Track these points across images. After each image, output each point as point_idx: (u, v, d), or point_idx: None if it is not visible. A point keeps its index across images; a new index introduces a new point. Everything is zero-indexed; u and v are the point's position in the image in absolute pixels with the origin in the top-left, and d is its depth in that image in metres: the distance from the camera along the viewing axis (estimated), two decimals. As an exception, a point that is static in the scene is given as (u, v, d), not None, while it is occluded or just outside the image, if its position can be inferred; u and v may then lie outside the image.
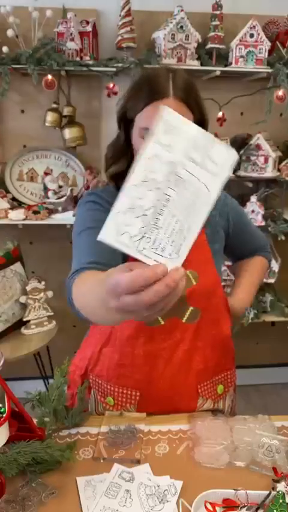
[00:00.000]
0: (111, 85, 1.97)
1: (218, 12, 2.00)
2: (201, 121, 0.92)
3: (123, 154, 0.98)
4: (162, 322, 1.00)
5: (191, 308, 1.01)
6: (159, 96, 0.87)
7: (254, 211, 2.21)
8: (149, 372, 1.04)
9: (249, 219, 1.26)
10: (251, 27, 1.98)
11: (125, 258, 0.85)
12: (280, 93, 2.05)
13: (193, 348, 1.04)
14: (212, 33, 2.00)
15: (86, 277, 0.84)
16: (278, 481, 0.85)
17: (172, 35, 1.95)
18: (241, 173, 2.25)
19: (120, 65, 1.96)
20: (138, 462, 0.92)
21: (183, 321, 1.02)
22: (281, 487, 0.83)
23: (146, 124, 0.89)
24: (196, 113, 0.91)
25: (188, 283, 1.00)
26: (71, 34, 1.94)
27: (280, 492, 0.79)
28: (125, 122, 0.95)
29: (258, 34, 1.99)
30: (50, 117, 2.03)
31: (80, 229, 0.97)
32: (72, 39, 1.94)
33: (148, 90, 0.89)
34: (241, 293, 1.16)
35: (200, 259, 1.01)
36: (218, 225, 1.09)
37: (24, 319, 1.93)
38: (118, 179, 1.00)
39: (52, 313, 1.99)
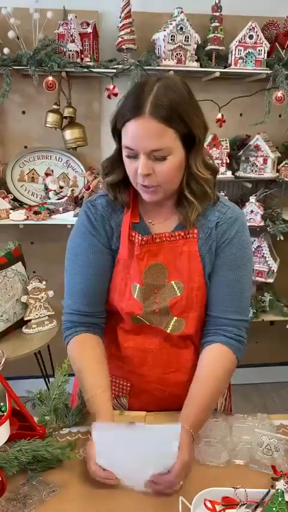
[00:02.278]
0: (111, 86, 1.98)
1: (217, 13, 2.00)
2: (189, 135, 0.90)
3: (118, 165, 0.96)
4: (147, 323, 1.01)
5: (174, 318, 1.00)
6: (134, 115, 0.85)
7: (253, 211, 2.22)
8: (139, 365, 1.05)
9: (244, 281, 1.01)
10: (250, 29, 1.99)
11: (106, 301, 1.04)
12: (279, 94, 2.06)
13: (182, 346, 1.05)
14: (211, 35, 2.01)
15: (81, 346, 1.02)
16: (277, 479, 0.86)
17: (172, 36, 1.96)
18: (240, 174, 2.26)
19: (120, 66, 1.97)
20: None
21: (168, 331, 1.01)
22: (280, 485, 0.84)
23: (125, 142, 0.89)
24: (180, 128, 0.88)
25: (172, 293, 0.99)
26: (72, 35, 1.94)
27: (279, 490, 0.80)
28: (117, 132, 0.93)
29: (258, 35, 2.00)
30: (51, 118, 2.04)
31: (76, 255, 1.02)
32: (72, 41, 1.95)
33: (130, 103, 0.87)
34: (191, 421, 0.92)
35: (188, 270, 0.99)
36: (212, 239, 1.00)
37: (25, 319, 1.94)
38: (114, 188, 0.99)
39: (53, 313, 2.00)
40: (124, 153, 0.91)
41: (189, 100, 0.91)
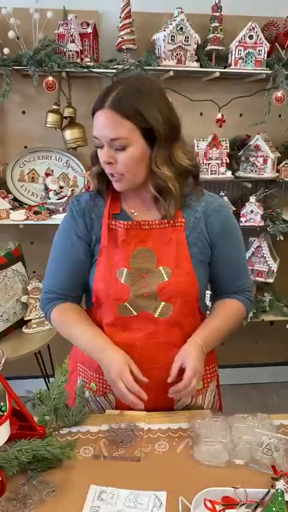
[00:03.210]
0: (111, 86, 1.98)
1: (217, 13, 2.01)
2: (149, 130, 0.96)
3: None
4: (135, 313, 1.04)
5: (162, 303, 1.04)
6: (97, 107, 0.97)
7: (253, 211, 2.22)
8: None
9: (243, 255, 1.15)
10: (250, 29, 1.99)
11: (86, 289, 1.11)
12: (279, 94, 2.06)
13: (167, 343, 1.05)
14: (211, 35, 2.01)
15: (65, 313, 1.10)
16: (277, 479, 0.85)
17: (172, 36, 1.96)
18: (240, 174, 2.26)
19: (120, 66, 1.97)
20: (138, 460, 0.93)
21: (155, 315, 1.04)
22: (280, 485, 0.84)
23: (94, 132, 0.99)
24: (138, 122, 0.95)
25: (160, 278, 1.03)
26: (72, 36, 1.95)
27: (279, 490, 0.80)
28: None
29: (258, 35, 2.00)
30: (51, 118, 2.04)
31: (55, 244, 1.12)
32: (72, 41, 1.95)
33: (98, 98, 0.98)
34: (202, 334, 1.06)
35: (176, 256, 1.04)
36: (199, 230, 1.06)
37: (25, 319, 1.94)
38: (99, 179, 1.07)
39: (52, 313, 2.00)
40: (94, 143, 1.01)
41: (155, 98, 0.98)
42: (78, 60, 1.97)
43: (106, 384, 1.09)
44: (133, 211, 1.08)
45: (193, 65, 2.03)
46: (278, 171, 2.25)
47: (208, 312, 1.18)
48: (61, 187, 2.18)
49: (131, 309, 1.04)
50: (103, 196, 1.09)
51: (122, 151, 0.97)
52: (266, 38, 2.02)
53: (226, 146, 2.17)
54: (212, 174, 2.17)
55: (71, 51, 1.96)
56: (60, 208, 2.13)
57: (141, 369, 1.02)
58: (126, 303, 1.03)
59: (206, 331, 1.07)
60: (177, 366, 1.00)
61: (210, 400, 1.19)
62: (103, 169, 1.03)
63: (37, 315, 1.96)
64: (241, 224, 2.26)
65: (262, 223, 2.23)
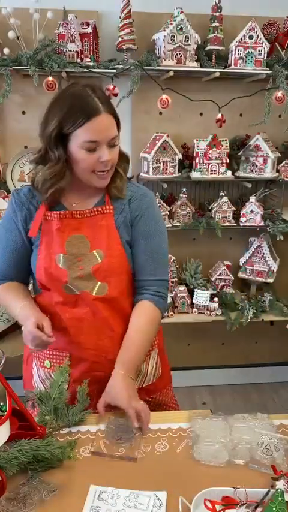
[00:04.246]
0: (111, 86, 1.98)
1: (217, 13, 2.00)
2: (117, 123, 1.10)
3: (64, 172, 1.09)
4: (78, 292, 1.13)
5: (98, 283, 1.14)
6: (94, 113, 1.03)
7: (253, 211, 2.22)
8: (76, 334, 1.16)
9: (160, 246, 1.20)
10: (250, 29, 1.99)
11: (30, 274, 1.22)
12: (279, 94, 2.06)
13: (109, 316, 1.16)
14: (211, 35, 2.01)
15: (5, 288, 1.19)
16: (277, 479, 0.86)
17: (172, 36, 1.96)
18: (240, 174, 2.26)
19: (120, 66, 1.97)
20: (134, 461, 0.93)
21: (93, 294, 1.14)
22: (280, 485, 0.84)
23: (90, 138, 1.04)
24: (116, 119, 1.09)
25: (94, 261, 1.13)
26: (72, 36, 1.94)
27: (279, 490, 0.80)
28: (61, 139, 1.06)
29: (258, 35, 2.00)
30: (51, 118, 2.04)
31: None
32: (72, 41, 1.95)
33: (82, 109, 1.03)
34: (121, 362, 1.12)
35: (107, 240, 1.14)
36: (125, 214, 1.17)
37: (25, 319, 1.94)
38: (58, 195, 1.13)
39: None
40: (84, 148, 1.05)
41: None
42: (78, 60, 1.97)
43: (58, 358, 1.19)
44: (74, 203, 1.16)
45: (193, 65, 2.03)
46: (278, 171, 2.25)
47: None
48: (61, 187, 2.17)
49: (73, 288, 1.13)
50: (46, 198, 1.14)
51: (114, 148, 1.09)
52: (266, 38, 2.02)
53: (226, 146, 2.17)
54: (212, 174, 2.17)
55: (71, 51, 1.96)
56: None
57: (91, 339, 1.15)
58: (68, 284, 1.13)
59: (126, 357, 1.12)
60: (103, 403, 1.07)
61: (153, 367, 1.28)
62: (64, 183, 1.10)
63: (37, 315, 1.96)
64: (241, 224, 2.26)
65: (262, 223, 2.23)
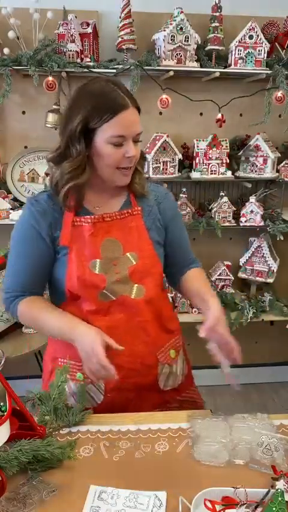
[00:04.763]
0: (111, 86, 1.98)
1: (217, 13, 2.01)
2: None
3: (84, 167, 1.06)
4: (114, 298, 1.10)
5: (135, 285, 1.13)
6: (122, 108, 1.02)
7: (253, 211, 2.22)
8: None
9: (187, 235, 1.29)
10: (250, 29, 1.99)
11: (47, 283, 1.18)
12: (279, 94, 2.06)
13: (146, 320, 1.14)
14: (211, 35, 2.01)
15: (30, 303, 1.13)
16: (277, 479, 0.85)
17: (172, 36, 1.96)
18: (240, 174, 2.26)
19: (120, 66, 1.97)
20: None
21: (132, 297, 1.12)
22: (280, 485, 0.84)
23: (117, 132, 1.02)
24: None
25: (128, 263, 1.12)
26: (72, 36, 1.94)
27: (279, 490, 0.79)
28: (85, 134, 1.03)
29: (258, 35, 2.00)
30: (51, 118, 2.04)
31: (15, 245, 1.13)
32: (72, 41, 1.95)
33: (109, 104, 1.01)
34: (212, 294, 1.19)
35: (139, 241, 1.13)
36: (155, 215, 1.17)
37: (25, 319, 1.94)
38: (78, 190, 1.08)
39: (52, 313, 2.00)
40: (110, 143, 1.03)
41: None
42: (78, 60, 1.97)
43: None
44: (96, 206, 1.13)
45: (193, 65, 2.03)
46: (278, 171, 2.25)
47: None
48: (61, 187, 2.17)
49: (110, 294, 1.10)
50: (65, 199, 1.10)
51: (138, 143, 1.08)
52: (266, 38, 2.02)
53: (226, 146, 2.17)
54: (212, 174, 2.17)
55: (71, 51, 1.96)
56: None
57: (127, 347, 1.08)
58: (104, 290, 1.09)
59: (208, 290, 1.19)
60: (208, 327, 1.07)
61: (181, 366, 1.27)
62: (83, 178, 1.06)
63: (37, 315, 1.96)
64: (241, 224, 2.26)
65: (262, 223, 2.23)
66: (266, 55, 2.03)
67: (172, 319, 1.27)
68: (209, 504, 0.80)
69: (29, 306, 1.13)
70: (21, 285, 1.14)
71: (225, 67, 2.09)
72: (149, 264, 1.14)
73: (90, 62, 1.98)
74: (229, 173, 2.19)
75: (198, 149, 2.14)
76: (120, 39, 1.98)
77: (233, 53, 2.03)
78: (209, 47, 2.04)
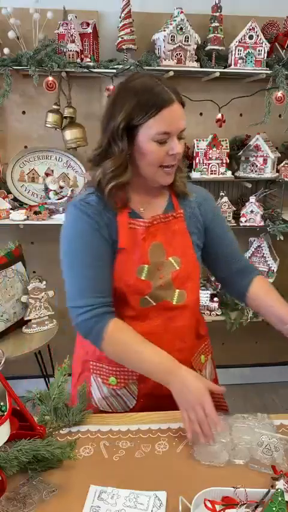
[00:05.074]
0: (111, 86, 1.98)
1: (217, 13, 2.00)
2: None
3: (126, 166, 1.02)
4: (154, 304, 1.08)
5: (177, 291, 1.10)
6: (167, 103, 0.98)
7: (253, 211, 2.22)
8: None
9: (234, 236, 1.24)
10: (250, 29, 1.99)
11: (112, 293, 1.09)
12: (279, 94, 2.06)
13: (184, 325, 1.13)
14: (211, 35, 2.01)
15: (122, 327, 1.04)
16: (277, 479, 0.86)
17: (172, 36, 1.96)
18: (240, 174, 2.26)
19: (120, 66, 1.97)
20: None
21: (174, 303, 1.10)
22: (280, 484, 0.84)
23: (162, 129, 0.98)
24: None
25: (171, 268, 1.10)
26: (72, 35, 1.94)
27: (279, 490, 0.80)
28: (128, 131, 0.99)
29: (258, 36, 2.00)
30: (51, 118, 2.04)
31: (77, 253, 1.04)
32: (72, 41, 1.95)
33: (154, 99, 0.97)
34: None
35: (181, 245, 1.11)
36: (196, 218, 1.14)
37: (26, 319, 1.94)
38: (121, 189, 1.04)
39: (53, 313, 2.00)
40: (155, 140, 0.99)
41: None
42: (78, 60, 1.97)
43: (128, 375, 1.12)
44: (141, 208, 1.09)
45: (193, 65, 2.03)
46: (278, 171, 2.24)
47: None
48: (61, 187, 2.18)
49: (151, 300, 1.08)
50: (117, 202, 1.06)
51: (181, 140, 1.04)
52: (266, 38, 2.02)
53: (226, 146, 2.17)
54: (212, 174, 2.17)
55: (71, 51, 1.96)
56: (60, 208, 2.13)
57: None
58: (146, 296, 1.07)
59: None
60: None
61: (210, 371, 1.27)
62: (126, 177, 1.02)
63: (37, 315, 1.96)
64: (241, 224, 2.26)
65: (262, 223, 2.23)
66: (266, 55, 2.03)
67: (203, 324, 1.26)
68: (209, 504, 0.80)
69: (119, 329, 1.03)
70: (101, 294, 1.04)
71: (225, 67, 2.09)
72: (191, 269, 1.12)
73: (90, 62, 1.98)
74: (229, 173, 2.19)
75: (198, 149, 2.14)
76: (120, 39, 1.98)
77: (233, 53, 2.03)
78: (209, 47, 2.03)
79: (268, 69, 2.04)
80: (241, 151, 2.24)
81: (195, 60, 2.03)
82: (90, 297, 1.03)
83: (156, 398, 1.09)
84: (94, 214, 1.04)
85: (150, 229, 1.08)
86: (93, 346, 1.07)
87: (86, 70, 1.95)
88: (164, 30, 1.96)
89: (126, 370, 1.12)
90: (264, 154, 2.17)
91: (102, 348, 1.04)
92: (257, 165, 2.20)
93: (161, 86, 0.98)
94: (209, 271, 1.27)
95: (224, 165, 2.16)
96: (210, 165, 2.15)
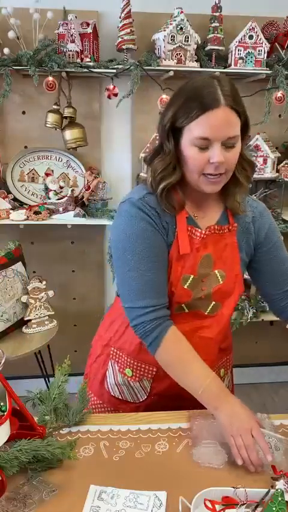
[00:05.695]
0: (111, 86, 1.98)
1: (217, 13, 2.01)
2: (245, 124, 0.99)
3: (174, 166, 0.99)
4: (187, 311, 1.07)
5: (213, 302, 1.09)
6: (212, 106, 0.91)
7: (254, 211, 2.22)
8: None
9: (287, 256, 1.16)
10: (250, 29, 1.99)
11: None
12: (279, 94, 2.06)
13: (210, 337, 1.11)
14: (211, 35, 2.01)
15: (181, 338, 1.01)
16: (276, 479, 0.85)
17: (172, 36, 1.96)
18: (241, 174, 2.26)
19: (120, 66, 1.97)
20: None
21: (206, 313, 1.09)
22: (280, 484, 0.83)
23: (202, 133, 0.93)
24: (242, 116, 0.97)
25: (215, 281, 1.07)
26: (72, 36, 1.95)
27: (279, 490, 0.79)
28: (173, 132, 0.97)
29: (258, 36, 2.00)
30: (51, 118, 2.04)
31: (133, 255, 1.00)
32: (72, 41, 1.95)
33: (199, 100, 0.92)
34: None
35: (230, 260, 1.08)
36: (249, 234, 1.10)
37: (26, 319, 1.94)
38: (171, 190, 1.02)
39: (53, 313, 2.00)
40: (195, 145, 0.94)
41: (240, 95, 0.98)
42: (78, 60, 1.97)
43: (144, 371, 1.13)
44: (195, 215, 1.06)
45: (193, 65, 2.03)
46: (278, 171, 2.24)
47: None
48: (61, 187, 2.18)
49: (185, 308, 1.07)
50: (172, 205, 1.02)
51: (232, 149, 0.95)
52: (266, 38, 2.02)
53: (226, 146, 2.16)
54: (212, 174, 2.17)
55: (71, 51, 1.96)
56: (60, 208, 2.13)
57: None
58: (183, 304, 1.07)
59: None
60: None
61: (227, 385, 1.25)
62: (174, 178, 0.99)
63: (37, 315, 1.96)
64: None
65: (262, 223, 2.23)
66: (266, 55, 2.03)
67: (229, 339, 1.23)
68: (209, 504, 0.80)
69: (177, 340, 1.01)
70: (161, 294, 1.02)
71: (225, 67, 2.09)
72: (233, 284, 1.09)
73: (90, 62, 1.98)
74: (229, 173, 2.19)
75: (198, 149, 2.14)
76: (120, 39, 1.98)
77: (233, 53, 2.03)
78: (209, 47, 2.04)
79: (268, 69, 2.04)
80: (241, 152, 2.24)
81: (195, 60, 2.03)
82: (151, 297, 1.01)
83: (166, 398, 1.11)
84: (153, 215, 1.01)
85: (205, 240, 1.05)
86: (120, 333, 1.10)
87: (86, 70, 1.96)
88: (164, 30, 1.97)
89: (143, 367, 1.13)
90: (264, 154, 2.17)
91: (155, 353, 1.02)
92: (257, 165, 2.20)
93: (214, 87, 0.91)
94: (255, 287, 1.22)
95: (224, 165, 2.16)
96: (210, 165, 2.15)
